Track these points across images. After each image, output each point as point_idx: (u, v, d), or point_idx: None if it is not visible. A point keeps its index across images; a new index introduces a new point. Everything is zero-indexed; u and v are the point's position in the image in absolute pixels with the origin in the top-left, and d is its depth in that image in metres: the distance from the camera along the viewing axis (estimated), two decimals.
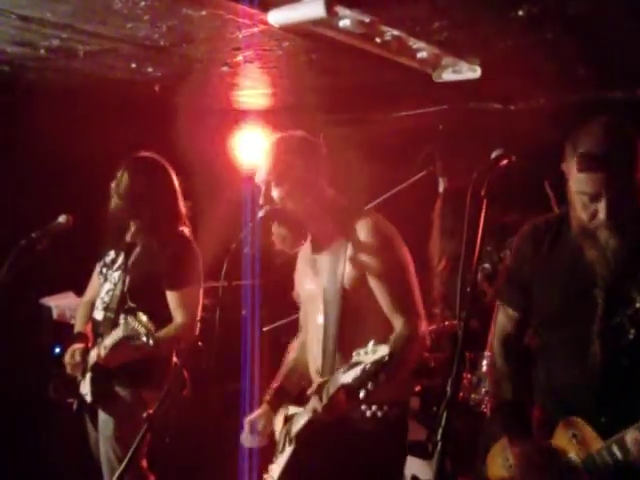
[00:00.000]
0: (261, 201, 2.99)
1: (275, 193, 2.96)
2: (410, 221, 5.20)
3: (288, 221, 2.99)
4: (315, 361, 3.07)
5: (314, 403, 2.77)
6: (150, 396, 3.47)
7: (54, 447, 4.59)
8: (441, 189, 4.67)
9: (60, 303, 4.73)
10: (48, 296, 4.79)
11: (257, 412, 3.17)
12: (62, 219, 3.71)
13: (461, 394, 4.23)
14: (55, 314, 4.70)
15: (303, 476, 3.01)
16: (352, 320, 2.95)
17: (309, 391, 2.85)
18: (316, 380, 2.98)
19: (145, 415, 2.56)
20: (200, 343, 3.93)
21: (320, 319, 3.03)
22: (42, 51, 3.71)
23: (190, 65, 4.01)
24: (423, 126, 5.24)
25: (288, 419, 3.06)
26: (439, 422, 2.01)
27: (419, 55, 3.57)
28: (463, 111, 5.02)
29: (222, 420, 3.81)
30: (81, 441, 4.08)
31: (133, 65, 4.02)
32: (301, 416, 2.94)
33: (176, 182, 3.82)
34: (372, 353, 2.53)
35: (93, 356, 3.63)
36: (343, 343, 2.93)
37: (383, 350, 2.50)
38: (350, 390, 2.59)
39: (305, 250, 3.17)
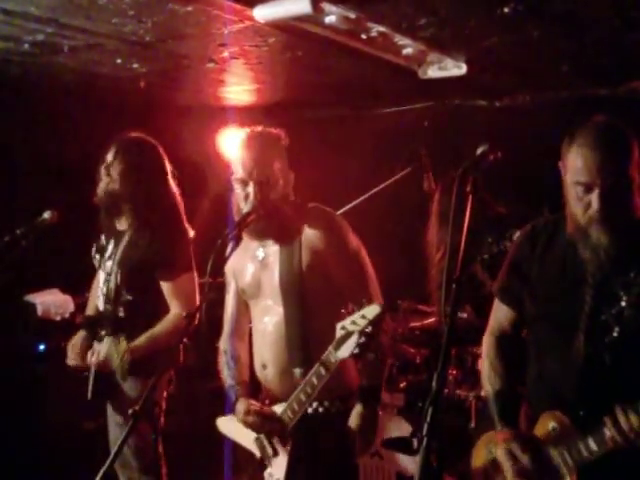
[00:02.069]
0: (247, 196, 2.99)
1: (256, 189, 2.96)
2: (395, 217, 5.24)
3: (269, 215, 2.99)
4: (266, 353, 3.09)
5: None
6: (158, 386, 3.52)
7: (39, 444, 4.57)
8: (426, 185, 4.68)
9: (45, 300, 4.71)
10: (33, 293, 4.77)
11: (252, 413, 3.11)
12: (47, 215, 3.68)
13: (447, 390, 4.25)
14: (40, 311, 4.68)
15: (309, 471, 3.02)
16: (314, 307, 2.99)
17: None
18: (266, 373, 3.08)
19: (130, 412, 2.54)
20: (186, 340, 3.93)
21: (271, 308, 3.07)
22: (26, 46, 3.69)
23: (176, 61, 3.99)
24: (409, 122, 5.25)
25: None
26: (424, 417, 2.02)
27: (405, 52, 3.57)
28: (449, 107, 5.04)
29: (208, 416, 3.81)
30: (67, 439, 4.09)
31: (118, 61, 4.00)
32: (289, 410, 2.96)
33: (167, 163, 3.72)
34: (363, 317, 2.60)
35: (94, 358, 3.61)
36: (310, 331, 2.98)
37: (374, 309, 2.58)
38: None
39: (243, 243, 3.18)
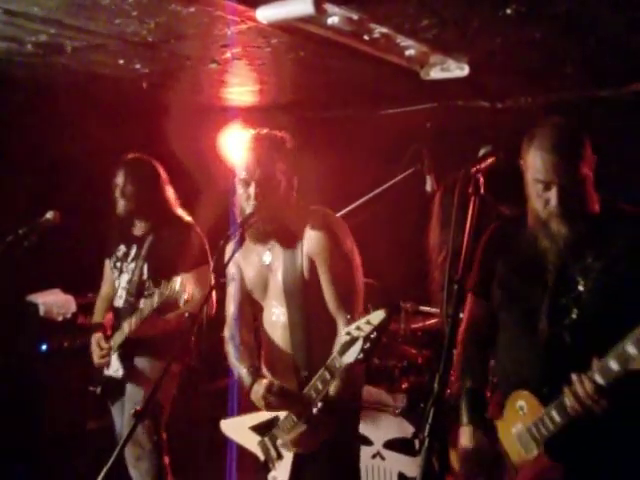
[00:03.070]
0: (249, 197, 2.99)
1: (257, 190, 2.97)
2: (397, 219, 5.24)
3: (271, 217, 3.00)
4: (274, 354, 3.12)
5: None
6: (174, 369, 3.89)
7: (42, 444, 4.57)
8: (428, 187, 4.67)
9: (47, 300, 4.72)
10: (35, 293, 4.77)
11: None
12: (49, 215, 3.75)
13: (448, 391, 4.25)
14: (42, 311, 4.69)
15: (312, 474, 3.03)
16: (317, 311, 3.01)
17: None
18: (273, 374, 3.10)
19: (132, 412, 2.56)
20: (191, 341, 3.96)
21: (277, 310, 3.10)
22: (29, 47, 3.69)
23: (178, 62, 4.00)
24: (411, 124, 5.25)
25: (266, 425, 3.09)
26: (426, 419, 2.04)
27: (407, 53, 3.57)
28: (451, 109, 5.03)
29: (209, 418, 3.83)
30: (70, 439, 4.08)
31: (121, 61, 4.01)
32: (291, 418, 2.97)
33: (163, 174, 4.11)
34: (368, 323, 2.62)
35: (118, 338, 3.90)
36: (314, 334, 3.01)
37: (379, 314, 2.61)
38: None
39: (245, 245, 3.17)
